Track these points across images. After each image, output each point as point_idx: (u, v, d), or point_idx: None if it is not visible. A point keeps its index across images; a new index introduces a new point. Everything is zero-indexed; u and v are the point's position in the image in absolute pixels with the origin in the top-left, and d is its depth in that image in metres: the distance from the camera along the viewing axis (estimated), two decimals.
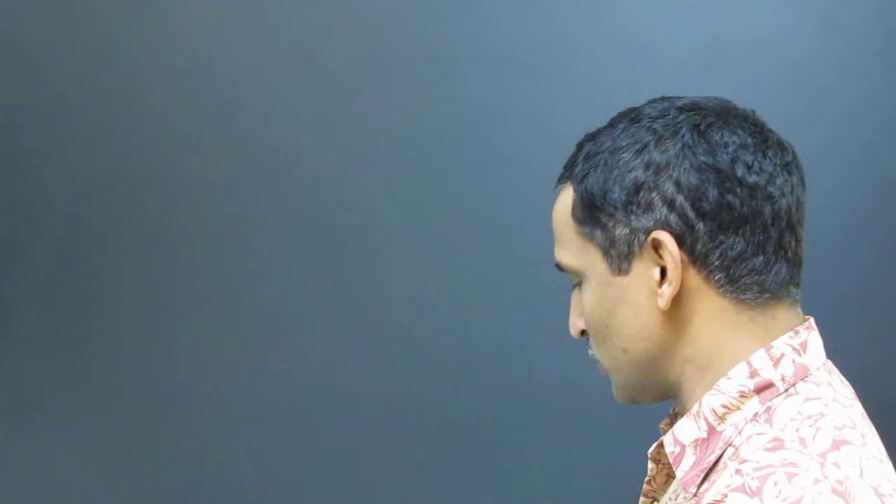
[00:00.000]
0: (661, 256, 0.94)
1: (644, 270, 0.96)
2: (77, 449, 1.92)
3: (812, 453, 0.87)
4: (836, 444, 0.88)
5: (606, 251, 0.96)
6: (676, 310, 0.95)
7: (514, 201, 1.68)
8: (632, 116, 0.99)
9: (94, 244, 1.94)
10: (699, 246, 0.93)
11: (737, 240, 0.94)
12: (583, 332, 1.02)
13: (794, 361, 0.95)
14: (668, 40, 1.57)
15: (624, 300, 0.97)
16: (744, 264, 0.94)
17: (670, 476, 1.02)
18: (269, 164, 1.84)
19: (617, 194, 0.96)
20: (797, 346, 0.96)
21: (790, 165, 0.96)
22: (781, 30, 1.50)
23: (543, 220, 1.64)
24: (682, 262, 0.93)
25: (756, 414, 0.92)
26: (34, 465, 1.94)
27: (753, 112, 0.98)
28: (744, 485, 0.84)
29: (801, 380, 0.94)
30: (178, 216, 1.89)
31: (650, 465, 1.01)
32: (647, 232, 0.94)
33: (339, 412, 1.78)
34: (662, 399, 1.01)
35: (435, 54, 1.74)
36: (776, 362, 0.95)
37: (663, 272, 0.94)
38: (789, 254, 0.96)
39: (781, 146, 0.96)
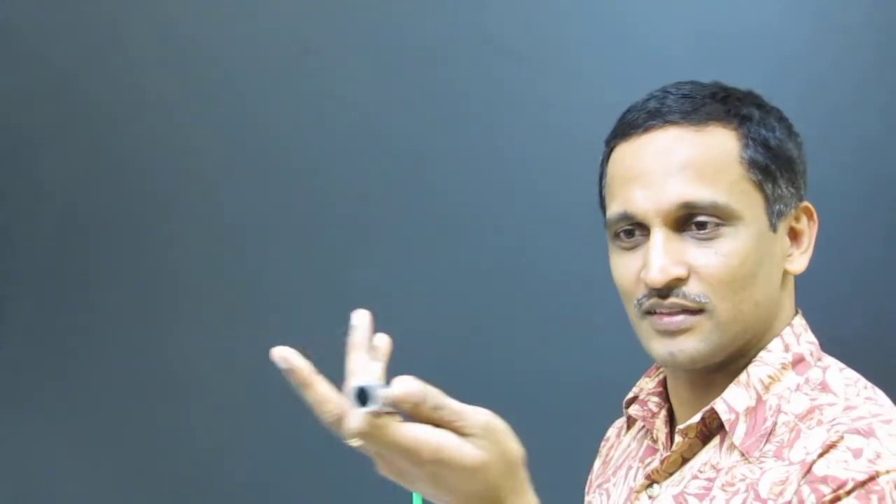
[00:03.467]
0: (798, 225, 1.03)
1: (783, 233, 1.02)
2: (72, 440, 1.92)
3: (886, 406, 0.94)
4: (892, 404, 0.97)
5: (770, 205, 1.00)
6: (786, 280, 1.03)
7: (511, 190, 1.68)
8: (739, 91, 1.05)
9: (89, 235, 1.94)
10: None
11: None
12: (675, 280, 0.97)
13: (807, 340, 1.03)
14: (661, 30, 1.56)
15: (770, 255, 1.00)
16: None
17: (684, 458, 1.01)
18: (267, 155, 1.84)
19: (794, 156, 1.03)
20: (804, 325, 1.04)
21: None
22: (775, 20, 1.50)
23: (538, 209, 1.64)
24: None
25: (798, 385, 0.97)
26: (29, 457, 1.93)
27: None
28: (855, 428, 0.88)
29: (821, 355, 1.02)
30: (174, 207, 1.89)
31: (677, 439, 1.00)
32: (800, 199, 1.03)
33: None
34: (714, 363, 1.01)
35: (431, 45, 1.74)
36: (797, 338, 1.01)
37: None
38: None
39: None
